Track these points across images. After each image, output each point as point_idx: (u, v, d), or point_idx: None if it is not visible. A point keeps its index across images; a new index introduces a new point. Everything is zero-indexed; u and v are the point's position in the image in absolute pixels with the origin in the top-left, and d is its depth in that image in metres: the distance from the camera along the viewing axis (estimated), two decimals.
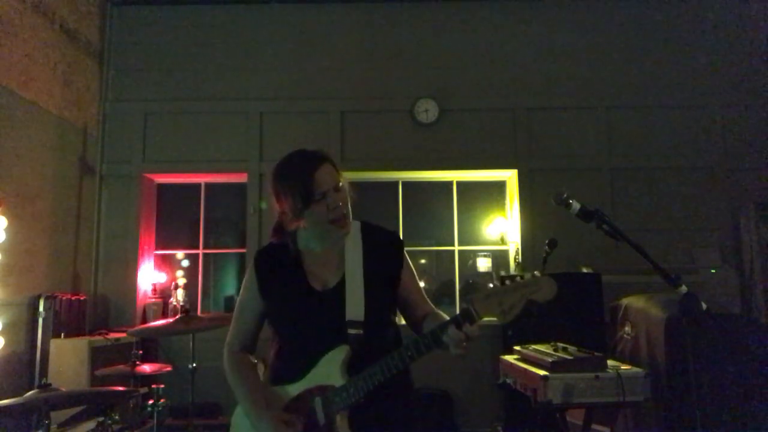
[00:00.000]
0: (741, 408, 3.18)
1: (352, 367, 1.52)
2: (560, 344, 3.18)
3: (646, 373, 2.86)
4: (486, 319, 1.43)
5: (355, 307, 1.56)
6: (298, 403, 1.54)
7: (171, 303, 5.42)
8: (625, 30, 5.78)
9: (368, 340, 1.55)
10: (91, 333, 4.72)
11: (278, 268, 1.69)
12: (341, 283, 1.61)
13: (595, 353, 3.01)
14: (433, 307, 1.73)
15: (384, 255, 1.69)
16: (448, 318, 1.60)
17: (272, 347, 1.72)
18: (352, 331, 1.54)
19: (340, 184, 1.60)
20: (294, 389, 1.57)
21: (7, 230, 3.87)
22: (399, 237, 1.76)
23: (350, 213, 1.64)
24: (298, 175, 1.56)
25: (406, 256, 1.73)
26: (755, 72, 5.67)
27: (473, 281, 5.78)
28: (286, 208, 1.60)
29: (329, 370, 1.52)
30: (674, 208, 5.45)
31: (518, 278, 1.44)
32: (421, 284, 1.86)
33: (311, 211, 1.56)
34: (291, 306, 1.64)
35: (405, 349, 1.47)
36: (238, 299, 1.76)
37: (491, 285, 1.44)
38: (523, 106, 5.63)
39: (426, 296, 1.75)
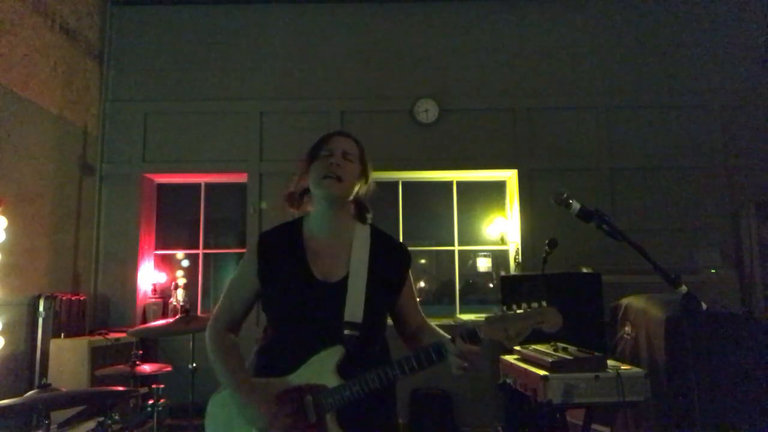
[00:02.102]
0: (741, 407, 3.18)
1: (342, 368, 1.51)
2: (560, 344, 3.17)
3: (646, 373, 2.86)
4: None
5: (354, 308, 1.55)
6: (287, 398, 1.51)
7: (171, 303, 5.42)
8: (625, 30, 5.78)
9: (362, 344, 1.54)
10: (91, 333, 4.72)
11: (281, 252, 1.66)
12: (344, 280, 1.60)
13: (595, 353, 3.00)
14: (425, 318, 1.75)
15: (391, 262, 1.69)
16: (441, 332, 1.63)
17: (262, 339, 1.69)
18: (348, 332, 1.53)
19: (351, 157, 1.66)
20: (283, 383, 1.54)
21: (7, 230, 3.88)
22: (408, 251, 1.76)
23: (347, 183, 1.63)
24: (323, 137, 1.71)
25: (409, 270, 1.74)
26: (755, 72, 5.68)
27: (473, 281, 5.79)
28: (302, 167, 1.69)
29: (322, 369, 1.51)
30: (674, 208, 5.46)
31: (526, 306, 1.45)
32: (421, 284, 1.90)
33: (314, 166, 1.65)
34: (289, 292, 1.60)
35: (405, 360, 1.47)
36: (232, 276, 1.71)
37: (499, 312, 1.46)
38: (523, 106, 5.63)
39: (419, 307, 1.77)
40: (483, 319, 1.45)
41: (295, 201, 1.72)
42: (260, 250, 1.67)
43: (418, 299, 1.80)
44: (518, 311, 1.45)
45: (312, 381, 1.51)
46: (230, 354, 1.62)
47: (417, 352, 1.48)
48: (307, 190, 1.70)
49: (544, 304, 1.47)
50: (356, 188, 1.68)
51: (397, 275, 1.69)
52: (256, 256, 1.66)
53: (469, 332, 1.43)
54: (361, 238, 1.67)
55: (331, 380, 1.50)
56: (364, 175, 1.70)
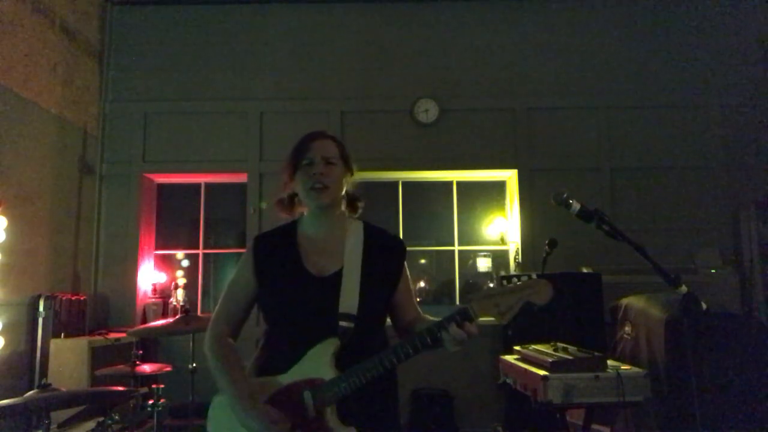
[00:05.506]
0: (741, 408, 3.18)
1: (339, 361, 1.51)
2: (560, 344, 3.18)
3: (646, 373, 2.86)
4: (483, 318, 1.45)
5: (349, 300, 1.56)
6: (286, 395, 1.51)
7: (171, 303, 5.42)
8: (624, 30, 5.77)
9: (358, 335, 1.54)
10: (91, 333, 4.71)
11: (276, 251, 1.69)
12: (338, 273, 1.61)
13: (595, 353, 3.01)
14: (420, 312, 1.74)
15: (385, 256, 1.69)
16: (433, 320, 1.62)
17: (261, 340, 1.69)
18: (343, 324, 1.54)
19: (333, 159, 1.65)
20: (282, 380, 1.54)
21: (7, 230, 3.87)
22: (402, 242, 1.76)
23: (333, 188, 1.65)
24: (299, 143, 1.69)
25: (405, 262, 1.74)
26: (755, 72, 5.67)
27: (473, 281, 5.78)
28: (286, 172, 1.69)
29: (319, 362, 1.51)
30: (674, 208, 5.45)
31: (516, 280, 1.45)
32: (421, 284, 1.90)
33: (299, 176, 1.65)
34: (283, 289, 1.62)
35: (400, 346, 1.47)
36: (230, 279, 1.73)
37: (491, 285, 1.45)
38: (523, 106, 5.63)
39: (415, 302, 1.76)
40: (473, 296, 1.45)
41: (285, 207, 1.75)
42: (256, 251, 1.70)
43: (418, 299, 1.81)
44: (507, 285, 1.45)
45: (309, 375, 1.52)
46: (229, 361, 1.59)
47: (413, 337, 1.49)
48: (296, 194, 1.71)
49: (533, 276, 1.47)
50: (344, 186, 1.70)
51: (393, 267, 1.70)
52: (253, 256, 1.69)
53: (461, 314, 1.43)
54: (354, 233, 1.69)
55: (328, 373, 1.50)
56: (348, 170, 1.73)
